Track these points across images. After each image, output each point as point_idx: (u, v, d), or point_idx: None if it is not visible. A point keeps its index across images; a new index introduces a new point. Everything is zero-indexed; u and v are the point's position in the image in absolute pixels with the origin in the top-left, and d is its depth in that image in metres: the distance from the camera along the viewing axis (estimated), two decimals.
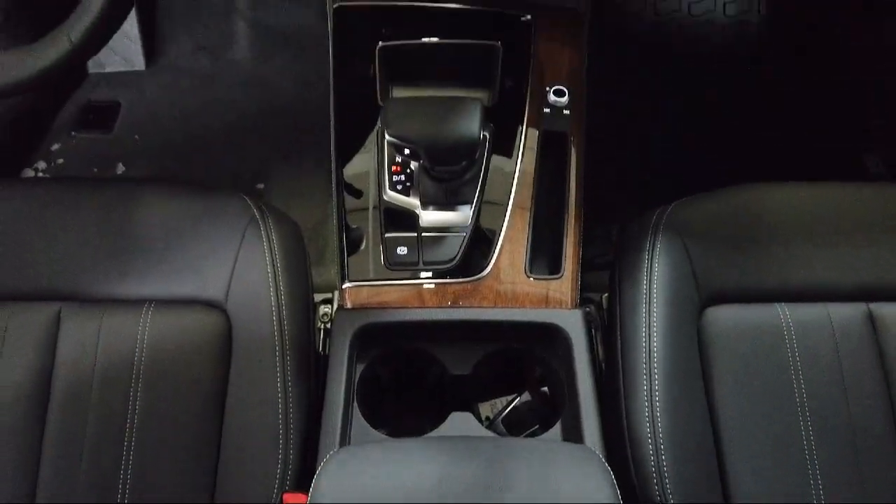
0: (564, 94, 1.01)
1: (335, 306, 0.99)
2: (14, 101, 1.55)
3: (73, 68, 0.70)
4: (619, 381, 0.85)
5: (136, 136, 1.62)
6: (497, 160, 0.98)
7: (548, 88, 1.01)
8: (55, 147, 1.60)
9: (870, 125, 1.57)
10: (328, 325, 0.96)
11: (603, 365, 0.95)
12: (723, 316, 0.87)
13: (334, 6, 1.05)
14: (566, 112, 1.01)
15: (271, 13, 1.74)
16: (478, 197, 0.95)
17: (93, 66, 1.68)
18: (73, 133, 1.62)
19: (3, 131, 1.55)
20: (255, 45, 1.74)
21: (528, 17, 1.03)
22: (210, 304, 0.86)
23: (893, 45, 1.52)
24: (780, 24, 1.72)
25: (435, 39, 1.00)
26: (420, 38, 1.01)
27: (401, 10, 1.04)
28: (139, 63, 1.70)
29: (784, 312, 0.87)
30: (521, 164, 0.98)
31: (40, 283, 0.86)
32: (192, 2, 1.73)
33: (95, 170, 1.58)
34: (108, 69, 1.69)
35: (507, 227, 0.96)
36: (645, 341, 0.85)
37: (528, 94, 1.01)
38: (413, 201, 0.95)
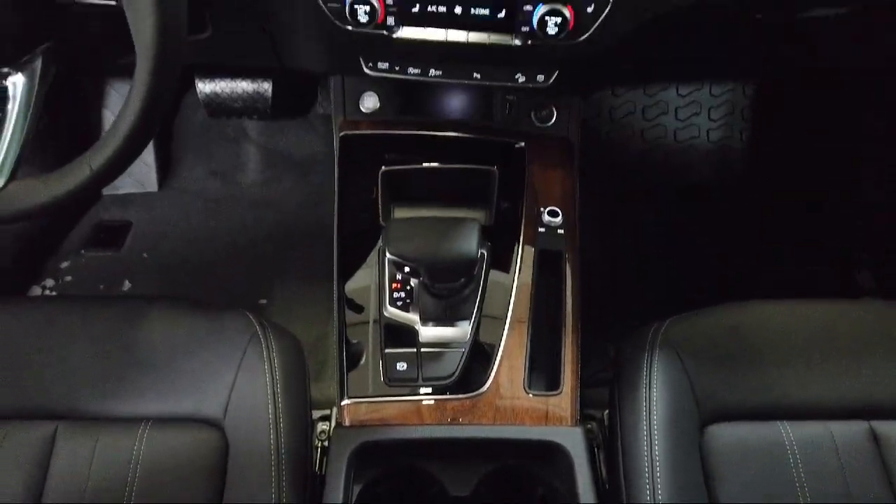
0: (558, 215, 1.06)
1: (333, 424, 0.98)
2: (29, 222, 1.61)
3: (90, 194, 0.75)
4: (622, 499, 0.83)
5: (145, 254, 1.67)
6: (495, 276, 1.01)
7: (542, 210, 1.06)
8: (64, 265, 1.65)
9: (859, 239, 1.62)
10: (325, 444, 0.95)
11: (606, 484, 0.92)
12: (725, 433, 0.86)
13: (340, 134, 1.13)
14: (560, 232, 1.05)
15: (280, 139, 1.84)
16: (476, 313, 0.97)
17: (107, 188, 1.76)
18: (82, 251, 1.66)
19: (14, 250, 1.60)
20: (263, 169, 1.83)
21: (522, 144, 1.10)
22: (207, 422, 0.85)
23: (876, 170, 1.60)
24: (762, 150, 1.82)
25: (435, 164, 1.06)
26: (421, 162, 1.07)
27: (403, 138, 1.11)
28: (152, 185, 1.78)
29: (786, 430, 0.86)
30: (518, 279, 1.01)
31: (39, 402, 0.86)
32: (207, 130, 1.84)
33: (102, 286, 1.61)
34: (122, 191, 1.76)
35: (506, 342, 0.97)
36: (647, 460, 0.84)
37: (524, 215, 1.06)
38: (413, 317, 0.97)
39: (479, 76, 1.02)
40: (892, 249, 1.56)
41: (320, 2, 0.93)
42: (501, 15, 0.92)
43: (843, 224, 1.67)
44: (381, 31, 0.95)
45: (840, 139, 1.69)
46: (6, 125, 0.73)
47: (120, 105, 1.69)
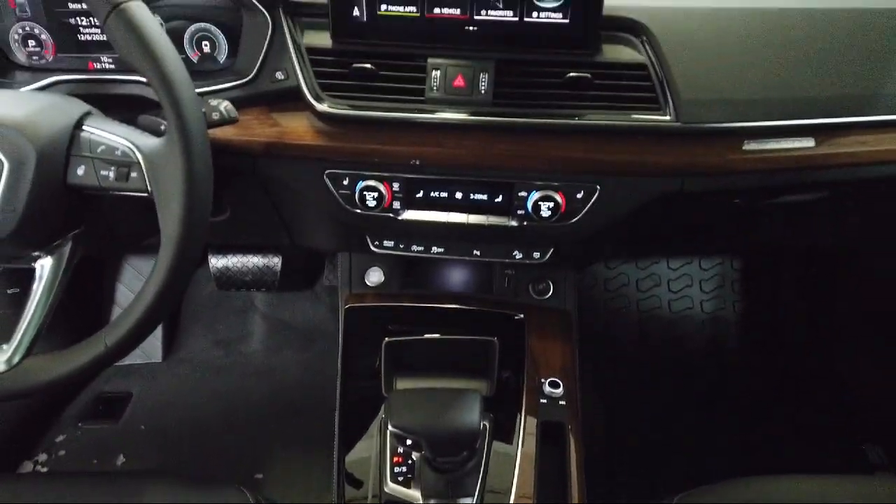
0: (559, 387, 1.07)
1: None
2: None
3: (103, 370, 0.77)
4: None
5: (142, 426, 1.65)
6: (498, 448, 1.00)
7: (543, 381, 1.08)
8: (60, 438, 1.62)
9: (868, 415, 1.61)
10: None
11: None
12: None
13: (346, 307, 1.17)
14: (562, 403, 1.05)
15: (286, 310, 1.90)
16: (480, 488, 0.94)
17: None
18: (80, 424, 1.64)
19: (13, 423, 1.58)
20: (267, 339, 1.86)
21: (521, 316, 1.14)
22: None
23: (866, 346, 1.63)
24: (756, 321, 1.86)
25: (436, 336, 1.09)
26: (423, 334, 1.10)
27: (406, 310, 1.15)
28: (157, 356, 1.80)
29: None
30: (521, 452, 1.00)
31: None
32: (215, 303, 1.90)
33: (95, 461, 1.57)
34: (126, 362, 1.78)
35: None
36: None
37: (525, 386, 1.07)
38: (414, 493, 0.94)
39: (478, 253, 1.09)
40: None
41: (332, 189, 1.02)
42: (499, 200, 1.01)
43: (848, 397, 1.66)
44: (387, 214, 1.03)
45: (833, 311, 1.74)
46: (29, 304, 0.77)
47: (133, 279, 1.75)
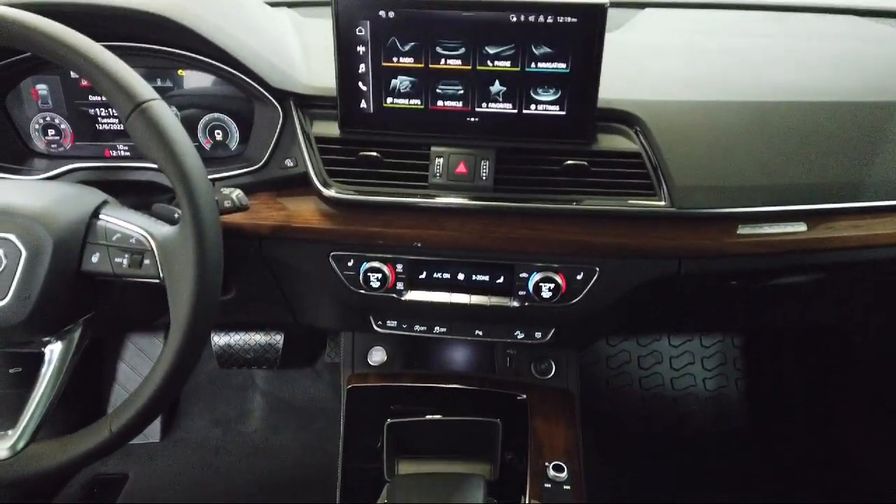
0: (563, 470, 1.06)
1: None
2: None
3: (108, 455, 0.77)
4: None
5: None
6: None
7: (547, 464, 1.06)
8: None
9: (873, 492, 1.57)
10: None
11: None
12: None
13: (348, 387, 1.17)
14: (567, 487, 1.04)
15: (287, 387, 1.88)
16: None
17: None
18: None
19: None
20: (267, 417, 1.84)
21: (524, 396, 1.14)
22: None
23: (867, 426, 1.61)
24: (759, 399, 1.85)
25: (439, 417, 1.09)
26: (426, 414, 1.10)
27: (409, 390, 1.15)
28: (155, 436, 1.78)
29: None
30: None
31: None
32: (215, 381, 1.89)
33: None
34: None
35: None
36: None
37: (529, 470, 1.06)
38: None
39: (480, 333, 1.10)
40: None
41: (337, 271, 1.04)
42: (500, 281, 1.03)
43: (853, 474, 1.63)
44: (391, 295, 1.05)
45: (835, 389, 1.73)
46: (36, 389, 0.78)
47: (134, 357, 1.74)
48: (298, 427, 1.80)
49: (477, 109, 0.94)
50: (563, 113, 0.92)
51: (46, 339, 0.78)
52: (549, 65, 0.90)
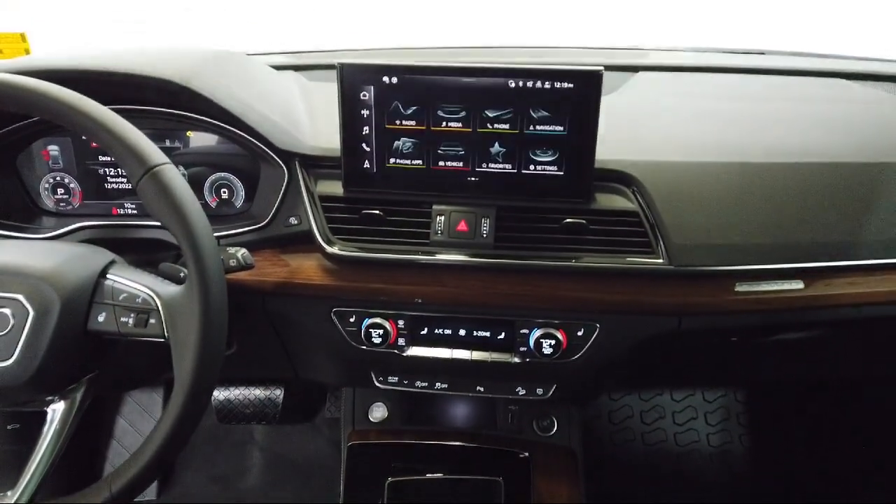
0: None
1: None
2: None
3: None
4: None
5: None
6: None
7: None
8: None
9: None
10: None
11: None
12: None
13: (349, 444, 1.16)
14: None
15: (286, 443, 1.86)
16: None
17: None
18: None
19: None
20: (265, 474, 1.81)
21: (526, 454, 1.13)
22: None
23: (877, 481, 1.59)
24: (764, 455, 1.82)
25: (441, 476, 1.08)
26: (427, 472, 1.09)
27: (410, 447, 1.14)
28: (151, 493, 1.75)
29: None
30: None
31: None
32: (215, 436, 1.87)
33: None
34: None
35: None
36: None
37: None
38: None
39: (482, 389, 1.10)
40: None
41: (339, 326, 1.05)
42: (501, 337, 1.03)
43: None
44: (392, 351, 1.05)
45: (840, 443, 1.71)
46: (37, 449, 0.77)
47: (131, 412, 1.72)
48: (298, 484, 1.77)
49: (477, 169, 0.97)
50: (561, 173, 0.95)
51: (49, 398, 0.78)
52: (546, 127, 0.93)
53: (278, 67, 1.25)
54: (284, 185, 1.03)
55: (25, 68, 0.79)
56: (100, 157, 1.12)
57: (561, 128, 0.93)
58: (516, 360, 1.03)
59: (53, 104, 0.73)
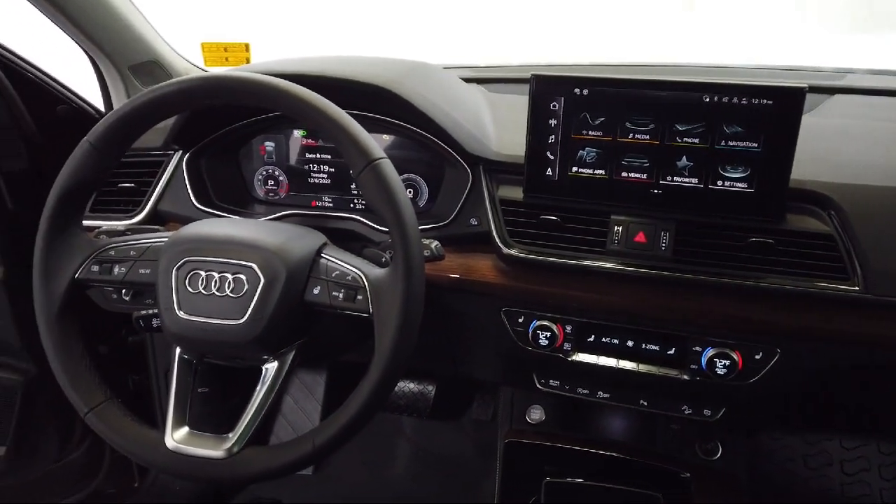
0: None
1: None
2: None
3: (308, 466, 0.86)
4: None
5: None
6: None
7: None
8: None
9: None
10: None
11: None
12: None
13: (505, 441, 1.20)
14: None
15: (433, 439, 1.93)
16: None
17: None
18: None
19: None
20: (411, 465, 1.89)
21: (688, 474, 1.11)
22: None
23: None
24: None
25: (601, 484, 1.08)
26: (581, 478, 1.10)
27: (566, 452, 1.16)
28: (308, 468, 1.88)
29: None
30: None
31: None
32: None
33: None
34: None
35: None
36: None
37: None
38: None
39: (645, 403, 1.09)
40: None
41: (507, 326, 1.09)
42: (671, 352, 1.03)
43: None
44: (557, 354, 1.08)
45: None
46: (252, 401, 0.89)
47: (298, 392, 1.87)
48: (442, 478, 1.83)
49: (661, 182, 0.98)
50: (752, 190, 0.93)
51: (266, 357, 0.89)
52: (740, 143, 0.92)
53: (466, 80, 1.33)
54: (468, 187, 1.10)
55: (267, 71, 0.91)
56: (306, 154, 1.25)
57: (755, 144, 0.91)
58: (685, 377, 1.02)
59: (294, 101, 0.84)
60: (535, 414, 1.25)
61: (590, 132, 0.99)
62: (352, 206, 1.24)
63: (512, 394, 1.28)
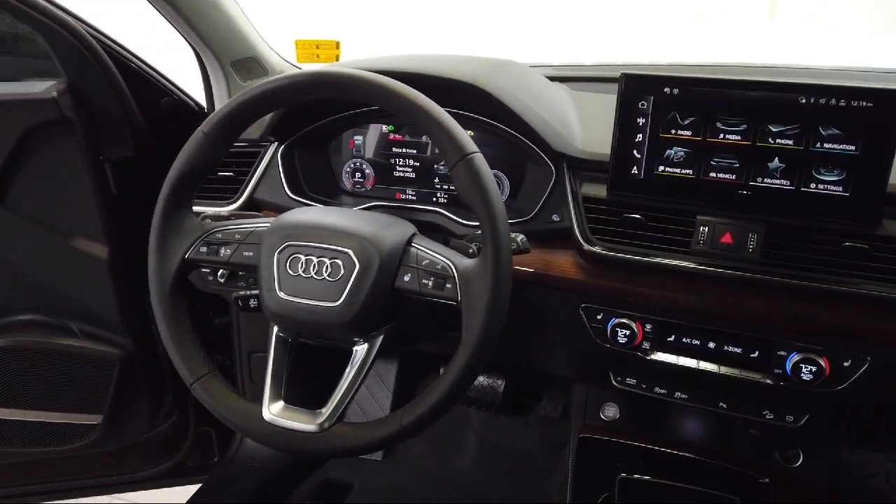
0: None
1: None
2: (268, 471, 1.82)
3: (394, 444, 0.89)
4: None
5: None
6: None
7: None
8: None
9: None
10: None
11: None
12: None
13: (579, 436, 1.21)
14: None
15: (499, 434, 1.96)
16: None
17: None
18: (307, 503, 1.80)
19: (253, 488, 1.78)
20: (478, 458, 1.92)
21: (767, 480, 1.09)
22: None
23: None
24: None
25: (678, 484, 1.08)
26: (655, 478, 1.10)
27: (640, 450, 1.16)
28: (378, 454, 1.94)
29: None
30: None
31: None
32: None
33: None
34: None
35: None
36: None
37: None
38: None
39: (724, 406, 1.09)
40: None
41: (585, 322, 1.10)
42: (754, 355, 1.02)
43: None
44: (635, 353, 1.08)
45: None
46: (343, 380, 0.93)
47: (370, 379, 1.91)
48: (509, 472, 1.85)
49: (750, 183, 0.97)
50: (847, 194, 0.91)
51: (356, 339, 0.94)
52: (836, 146, 0.91)
53: (549, 78, 1.34)
54: (551, 184, 1.12)
55: (364, 68, 0.96)
56: (393, 148, 1.30)
57: (853, 147, 0.90)
58: (768, 381, 1.01)
59: (394, 96, 0.88)
60: (610, 411, 1.26)
61: (678, 131, 0.99)
62: (434, 199, 1.28)
63: (586, 390, 1.29)
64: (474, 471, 1.89)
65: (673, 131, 0.99)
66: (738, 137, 0.96)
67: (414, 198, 1.29)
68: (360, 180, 1.33)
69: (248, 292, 1.09)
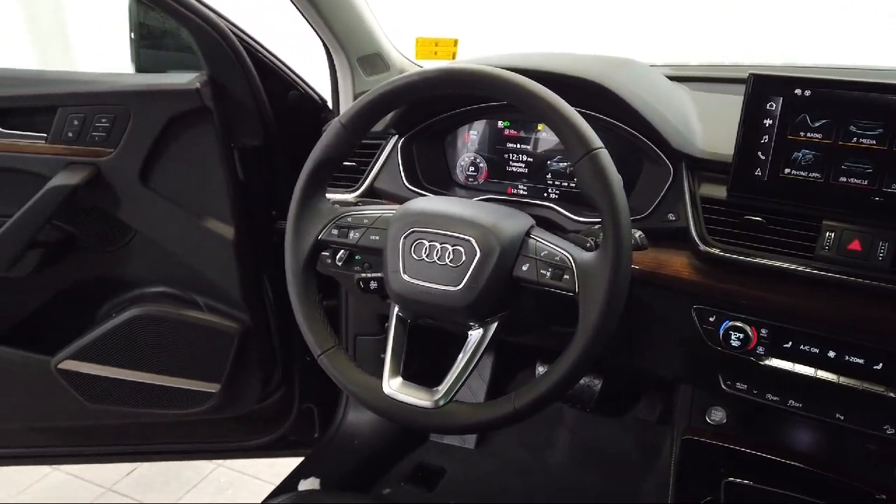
0: None
1: None
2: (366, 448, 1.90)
3: (505, 426, 0.93)
4: None
5: (452, 502, 1.82)
6: None
7: None
8: (385, 491, 1.86)
9: None
10: None
11: None
12: None
13: (683, 437, 1.20)
14: None
15: (593, 433, 1.95)
16: None
17: (434, 436, 2.00)
18: (402, 484, 1.87)
19: (352, 468, 1.86)
20: (570, 455, 1.92)
21: (883, 497, 1.05)
22: None
23: None
24: None
25: (785, 492, 1.06)
26: (767, 485, 1.08)
27: (746, 456, 1.15)
28: (470, 442, 1.99)
29: None
30: None
31: None
32: None
33: None
34: (445, 440, 1.99)
35: None
36: None
37: None
38: None
39: (841, 417, 1.05)
40: None
41: (697, 323, 1.09)
42: (878, 367, 0.98)
43: None
44: (748, 357, 1.07)
45: None
46: (458, 361, 0.98)
47: None
48: (602, 473, 1.85)
49: (885, 189, 0.94)
50: None
51: (472, 324, 0.98)
52: None
53: (669, 78, 1.34)
54: (668, 183, 1.12)
55: (494, 65, 0.99)
56: (507, 143, 1.33)
57: None
58: (892, 394, 0.97)
59: (523, 92, 0.92)
60: (717, 415, 1.24)
61: (808, 134, 0.97)
62: (546, 195, 1.30)
63: (693, 392, 1.28)
64: (566, 467, 1.90)
65: (802, 133, 0.97)
66: (874, 142, 0.93)
67: (525, 193, 1.32)
68: (474, 173, 1.37)
69: (370, 274, 1.16)
